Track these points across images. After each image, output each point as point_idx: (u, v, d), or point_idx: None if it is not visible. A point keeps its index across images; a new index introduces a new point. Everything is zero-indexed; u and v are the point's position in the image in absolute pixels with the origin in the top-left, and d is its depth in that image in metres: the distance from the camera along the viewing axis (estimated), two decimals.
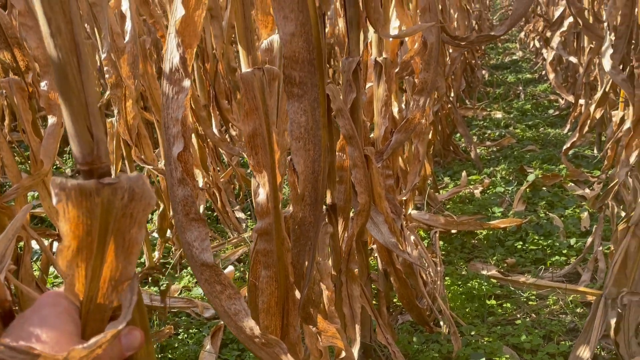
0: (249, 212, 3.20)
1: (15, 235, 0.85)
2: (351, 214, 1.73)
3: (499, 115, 5.01)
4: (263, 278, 1.09)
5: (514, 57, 8.19)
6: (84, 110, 0.61)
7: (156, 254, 2.65)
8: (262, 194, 1.04)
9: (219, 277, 0.97)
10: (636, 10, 2.78)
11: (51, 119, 1.80)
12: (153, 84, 2.45)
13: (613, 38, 2.70)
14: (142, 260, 2.65)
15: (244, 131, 1.00)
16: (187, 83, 0.96)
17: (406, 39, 2.13)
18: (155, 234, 2.73)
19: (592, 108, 3.04)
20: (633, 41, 2.87)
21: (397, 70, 2.12)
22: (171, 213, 2.57)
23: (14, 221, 0.88)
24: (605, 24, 2.80)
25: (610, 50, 2.51)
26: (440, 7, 3.37)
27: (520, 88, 5.96)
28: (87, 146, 0.62)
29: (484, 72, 6.77)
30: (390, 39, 2.09)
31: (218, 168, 3.06)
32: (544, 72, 6.32)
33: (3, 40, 1.73)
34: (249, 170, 3.82)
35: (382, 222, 1.76)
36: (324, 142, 0.98)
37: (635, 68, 2.68)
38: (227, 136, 3.22)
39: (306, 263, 1.05)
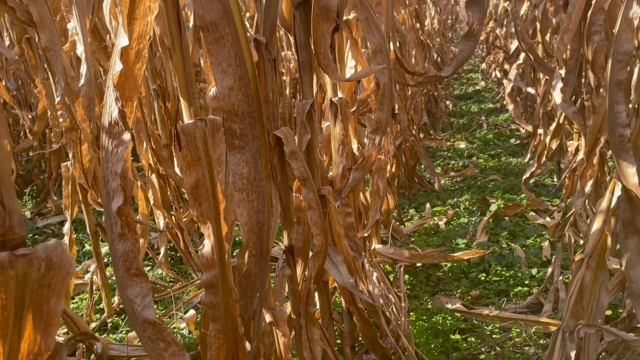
0: None
1: None
2: (310, 254, 1.72)
3: (462, 145, 5.11)
4: (211, 331, 1.06)
5: (477, 87, 8.41)
6: None
7: (116, 300, 2.57)
8: (207, 246, 1.02)
9: (162, 334, 0.95)
10: (584, 44, 2.90)
11: None
12: None
13: (563, 72, 2.80)
14: (100, 306, 2.57)
15: (186, 182, 0.99)
16: (126, 136, 0.95)
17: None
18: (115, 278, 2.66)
19: (547, 139, 3.13)
20: (583, 74, 2.98)
21: (353, 109, 2.15)
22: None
23: None
24: (555, 58, 2.91)
25: (560, 84, 2.59)
26: (398, 43, 3.46)
27: (483, 118, 6.11)
28: None
29: (447, 102, 6.93)
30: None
31: (181, 207, 3.02)
32: (505, 102, 6.51)
33: None
34: None
35: (341, 262, 1.75)
36: (267, 191, 0.97)
37: (585, 100, 2.78)
38: None
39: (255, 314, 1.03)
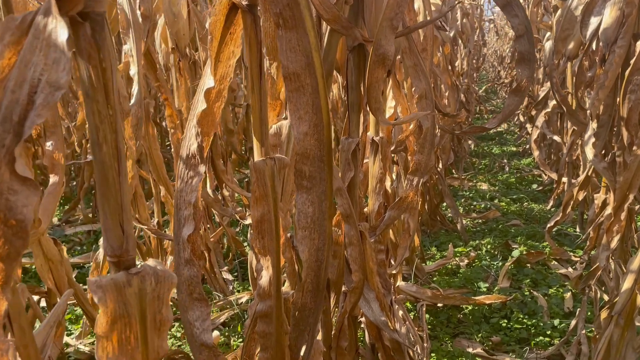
0: (235, 274, 3.19)
1: (56, 322, 0.88)
2: (343, 288, 1.76)
3: (484, 187, 5.14)
4: (260, 359, 1.10)
5: (499, 129, 8.45)
6: (119, 209, 0.66)
7: None
8: (265, 277, 1.07)
9: (217, 357, 0.99)
10: (618, 99, 2.94)
11: (53, 178, 1.84)
12: (153, 145, 2.51)
13: (595, 126, 2.84)
14: None
15: (252, 216, 1.05)
16: (202, 169, 1.01)
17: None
18: None
19: (575, 190, 3.16)
20: (615, 128, 3.02)
21: (392, 148, 2.21)
22: None
23: (56, 308, 0.92)
24: (588, 112, 2.95)
25: (593, 139, 2.64)
26: (432, 84, 3.54)
27: (505, 161, 6.13)
28: (118, 240, 0.67)
29: (470, 142, 6.97)
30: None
31: (209, 227, 3.08)
32: (527, 146, 6.52)
33: None
34: (238, 229, 3.84)
35: (373, 299, 1.78)
36: (328, 231, 1.02)
37: (617, 156, 2.81)
38: (219, 196, 3.26)
39: (304, 348, 1.07)
